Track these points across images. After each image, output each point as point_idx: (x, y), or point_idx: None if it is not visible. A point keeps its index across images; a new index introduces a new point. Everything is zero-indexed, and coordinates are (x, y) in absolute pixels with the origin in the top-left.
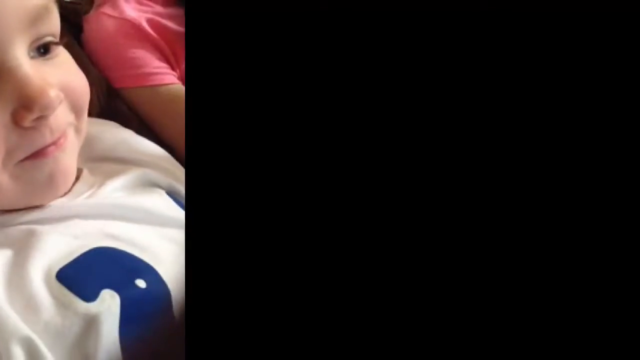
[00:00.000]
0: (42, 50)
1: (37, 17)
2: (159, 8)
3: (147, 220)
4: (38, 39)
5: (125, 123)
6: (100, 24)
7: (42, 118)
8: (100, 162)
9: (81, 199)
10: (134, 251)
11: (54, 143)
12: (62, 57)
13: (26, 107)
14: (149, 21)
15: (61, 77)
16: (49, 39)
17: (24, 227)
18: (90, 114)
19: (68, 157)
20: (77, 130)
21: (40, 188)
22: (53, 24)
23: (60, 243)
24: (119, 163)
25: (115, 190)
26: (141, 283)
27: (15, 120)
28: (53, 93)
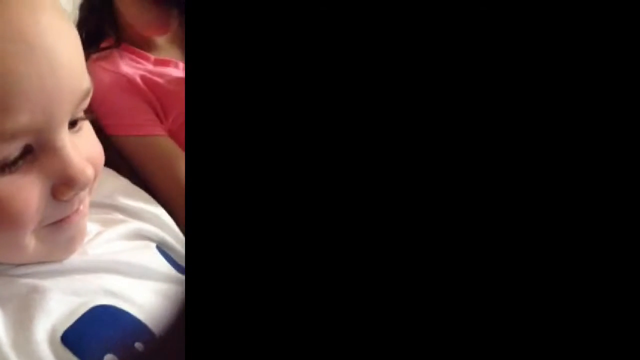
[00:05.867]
0: (72, 124)
1: (83, 99)
2: (150, 66)
3: (142, 275)
4: (74, 115)
5: (116, 170)
6: (95, 75)
7: (78, 193)
8: (96, 208)
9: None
10: (132, 309)
11: (77, 210)
12: (85, 128)
13: (68, 184)
14: (142, 77)
15: (88, 149)
16: (80, 115)
17: (24, 280)
18: None
19: (85, 219)
20: (90, 192)
21: (61, 248)
22: (87, 102)
23: (62, 302)
24: (115, 211)
25: (111, 240)
26: (140, 346)
27: (55, 194)
28: (90, 172)
